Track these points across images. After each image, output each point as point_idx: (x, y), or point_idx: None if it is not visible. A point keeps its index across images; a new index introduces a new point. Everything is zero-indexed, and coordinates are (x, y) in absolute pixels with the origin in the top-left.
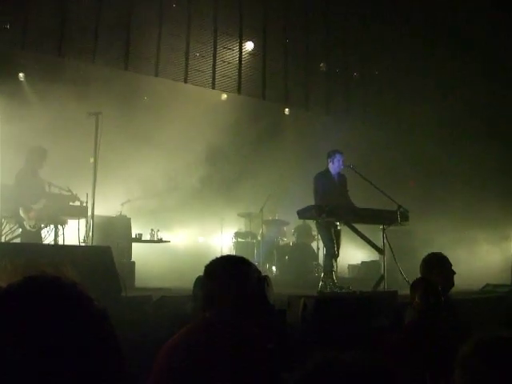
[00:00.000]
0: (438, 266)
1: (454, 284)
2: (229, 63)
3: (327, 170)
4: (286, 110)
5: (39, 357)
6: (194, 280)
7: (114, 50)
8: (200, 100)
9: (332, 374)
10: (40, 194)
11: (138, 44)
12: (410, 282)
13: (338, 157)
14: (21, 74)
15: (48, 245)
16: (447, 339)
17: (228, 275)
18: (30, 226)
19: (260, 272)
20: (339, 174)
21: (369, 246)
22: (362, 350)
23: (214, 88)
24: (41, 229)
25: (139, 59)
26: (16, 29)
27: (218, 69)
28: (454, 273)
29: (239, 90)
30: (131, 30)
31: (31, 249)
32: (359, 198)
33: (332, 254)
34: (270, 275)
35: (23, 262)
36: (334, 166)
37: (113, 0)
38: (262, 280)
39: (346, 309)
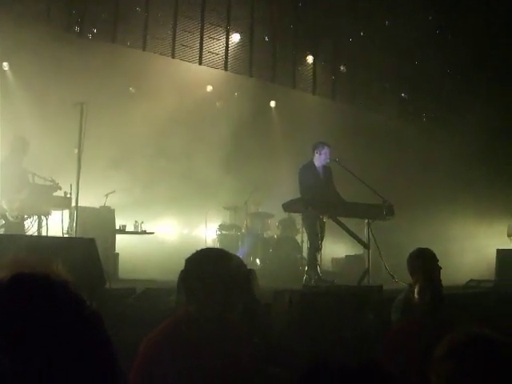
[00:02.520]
0: (424, 262)
1: (440, 280)
2: (216, 40)
3: (312, 163)
4: (272, 102)
5: (27, 362)
6: (176, 271)
7: (102, 23)
8: (185, 91)
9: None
10: (23, 184)
11: (126, 17)
12: (395, 277)
13: (325, 149)
14: (5, 63)
15: (32, 236)
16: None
17: (209, 269)
18: (12, 217)
19: (245, 265)
20: (324, 167)
21: (353, 240)
22: (348, 345)
23: (200, 64)
24: (24, 220)
25: (126, 33)
26: None
27: (205, 45)
28: (440, 268)
29: (226, 67)
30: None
31: (15, 240)
32: (344, 191)
33: (316, 247)
34: (253, 268)
35: (10, 257)
36: (321, 159)
37: None
38: (247, 273)
39: (332, 303)
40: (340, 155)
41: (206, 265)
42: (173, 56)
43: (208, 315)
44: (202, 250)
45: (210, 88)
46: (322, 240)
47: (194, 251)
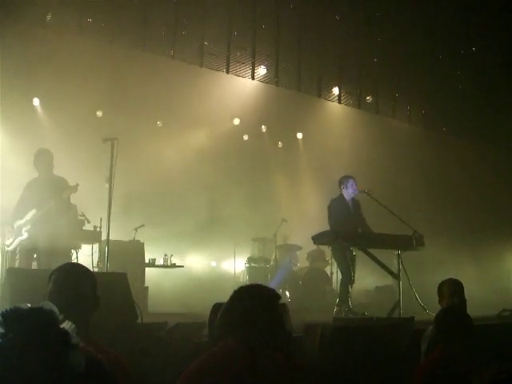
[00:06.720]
0: (454, 292)
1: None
2: (243, 49)
3: (341, 196)
4: (299, 134)
5: None
6: (206, 305)
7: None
8: (212, 125)
9: None
10: (45, 200)
11: (155, 26)
12: (426, 308)
13: (350, 182)
14: (35, 99)
15: None
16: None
17: (256, 305)
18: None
19: (283, 303)
20: (353, 199)
21: (382, 271)
22: (381, 377)
23: (228, 72)
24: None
25: (156, 39)
26: None
27: (232, 55)
28: (464, 300)
29: (253, 76)
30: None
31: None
32: (372, 222)
33: (348, 279)
34: (283, 301)
35: None
36: (349, 192)
37: None
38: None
39: (364, 336)
40: (372, 186)
41: (254, 300)
42: (201, 65)
43: (247, 347)
44: (252, 286)
45: (237, 121)
46: (354, 273)
47: (237, 287)
